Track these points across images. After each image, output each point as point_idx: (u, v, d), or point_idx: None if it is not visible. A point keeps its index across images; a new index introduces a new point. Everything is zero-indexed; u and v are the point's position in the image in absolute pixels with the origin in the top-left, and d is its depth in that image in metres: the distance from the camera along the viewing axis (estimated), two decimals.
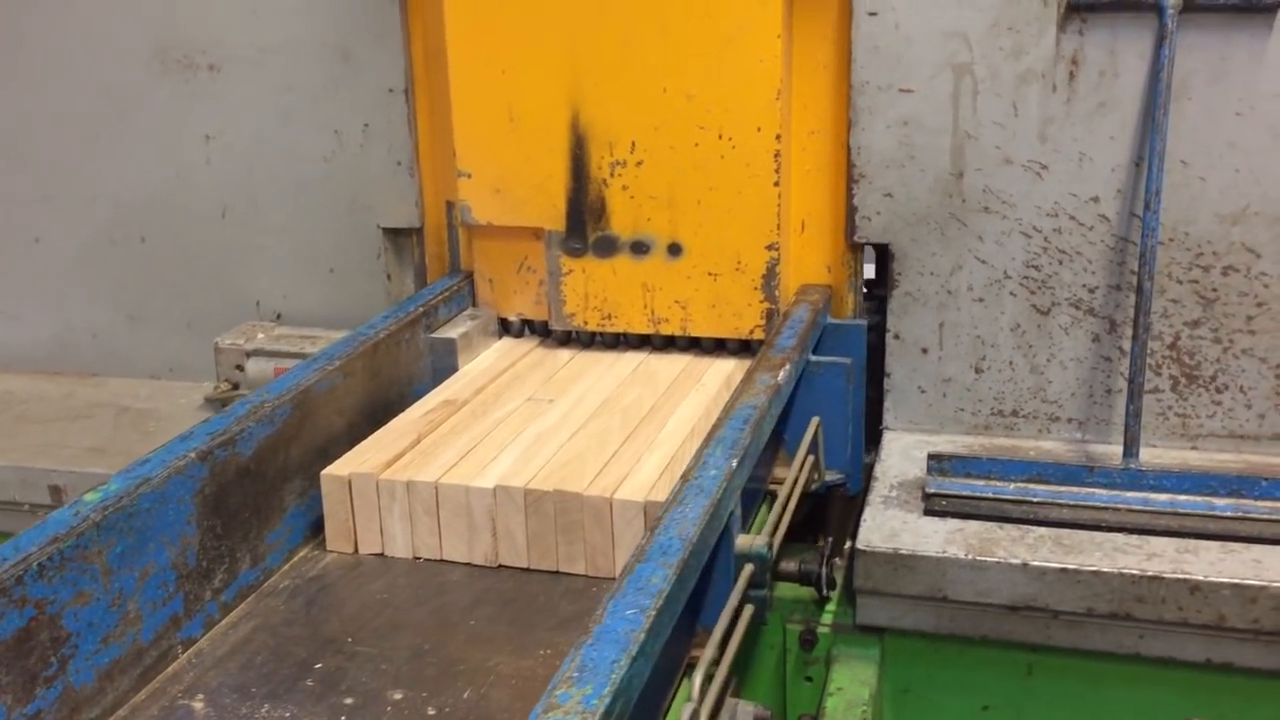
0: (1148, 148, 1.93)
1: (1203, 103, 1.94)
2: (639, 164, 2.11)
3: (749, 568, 1.52)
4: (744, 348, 2.20)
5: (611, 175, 2.13)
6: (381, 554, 1.76)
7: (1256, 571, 1.70)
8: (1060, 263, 2.06)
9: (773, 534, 1.61)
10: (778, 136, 2.05)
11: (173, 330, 2.57)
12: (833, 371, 2.03)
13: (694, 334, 2.20)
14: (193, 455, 1.59)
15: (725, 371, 2.13)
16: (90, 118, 2.46)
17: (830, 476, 2.03)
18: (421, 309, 2.18)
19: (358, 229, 2.39)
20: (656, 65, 2.05)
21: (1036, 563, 1.76)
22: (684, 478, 1.50)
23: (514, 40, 2.10)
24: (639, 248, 2.16)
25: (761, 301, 2.14)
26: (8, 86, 2.50)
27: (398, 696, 1.45)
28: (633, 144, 2.10)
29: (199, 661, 1.56)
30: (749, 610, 1.50)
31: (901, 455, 2.11)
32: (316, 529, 1.82)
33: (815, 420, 1.94)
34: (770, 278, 2.12)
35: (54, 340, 2.64)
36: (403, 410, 2.00)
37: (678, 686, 1.49)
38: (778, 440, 1.97)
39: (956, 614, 1.83)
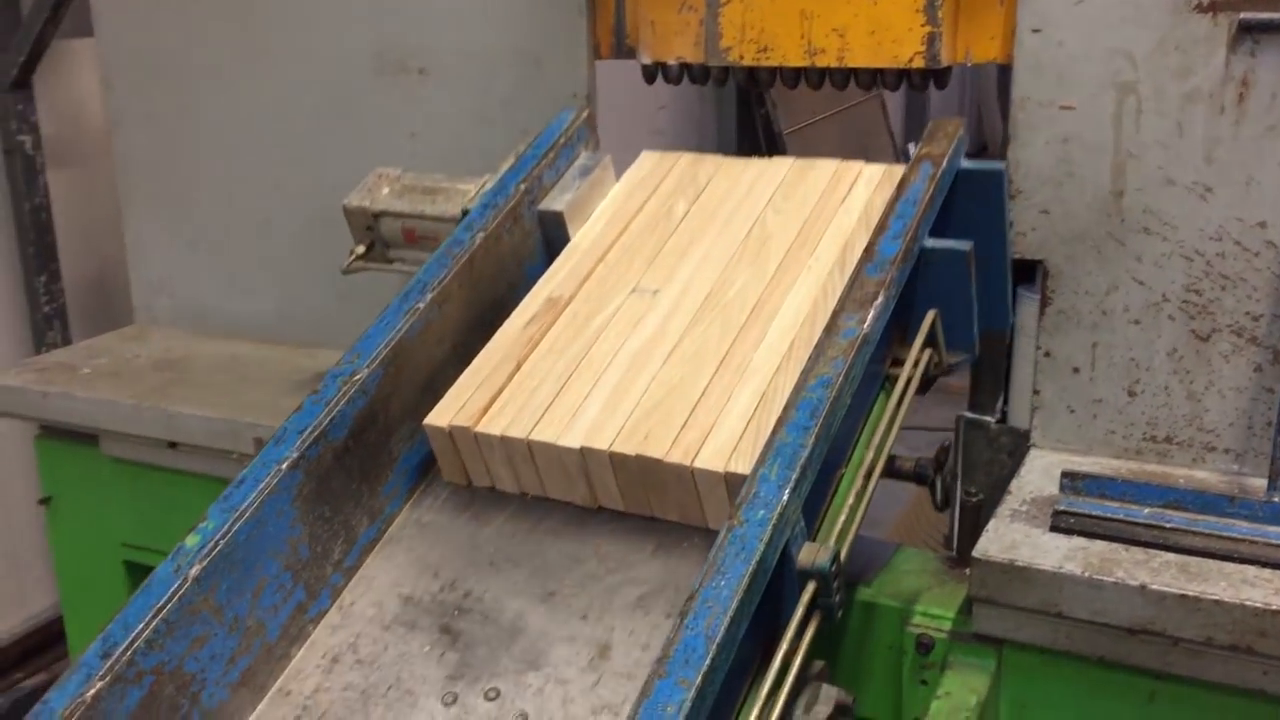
0: None
1: None
2: None
3: (811, 586, 1.49)
4: (902, 79, 2.15)
5: None
6: (493, 488, 1.85)
7: None
8: (1223, 288, 2.01)
9: (841, 539, 1.59)
10: None
11: (375, 308, 2.81)
12: (951, 258, 1.89)
13: (851, 64, 2.16)
14: (284, 467, 1.65)
15: (863, 199, 2.07)
16: (316, 114, 2.74)
17: (954, 359, 1.95)
18: (524, 184, 2.10)
19: None
20: None
21: (1156, 586, 1.73)
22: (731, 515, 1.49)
23: None
24: None
25: (923, 25, 2.10)
26: (249, 88, 2.81)
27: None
28: None
29: (336, 623, 1.71)
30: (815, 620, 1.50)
31: (1042, 473, 2.10)
32: (430, 462, 1.89)
33: (931, 314, 1.87)
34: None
35: (277, 312, 2.94)
36: (512, 305, 2.00)
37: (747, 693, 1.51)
38: (899, 323, 1.90)
39: (1073, 631, 1.82)
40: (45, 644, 3.92)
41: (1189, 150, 1.98)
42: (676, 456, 1.67)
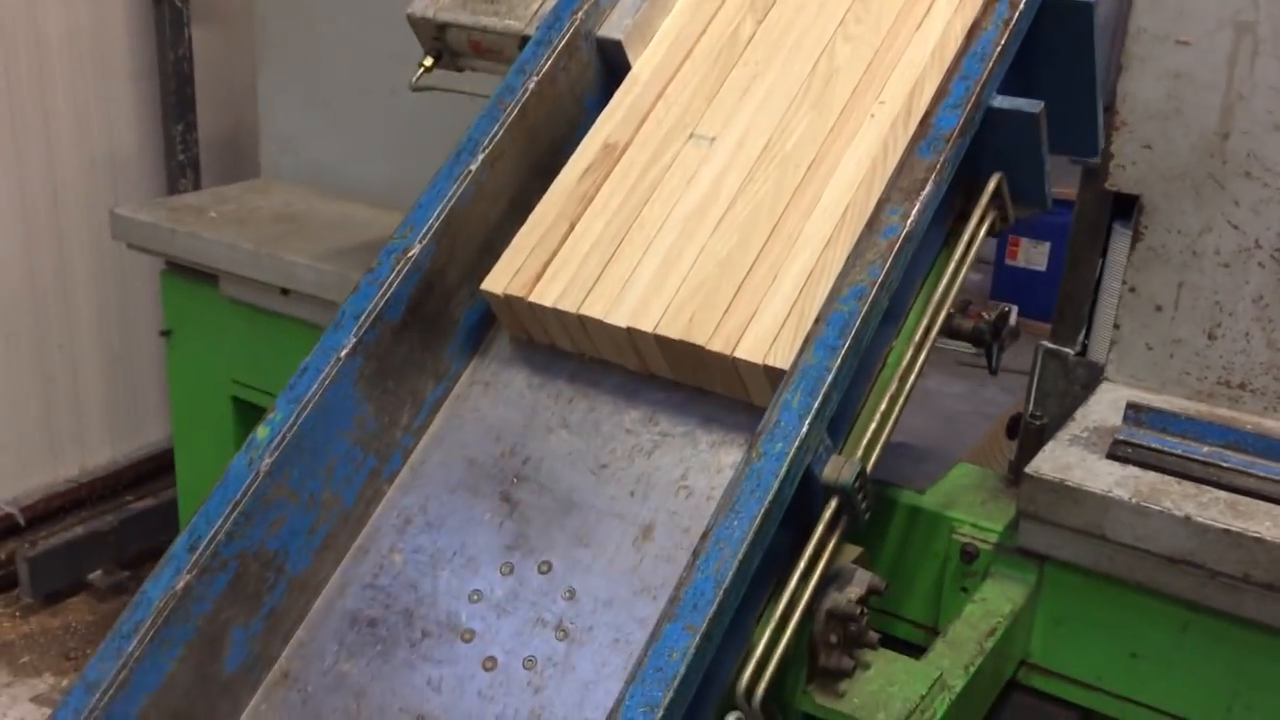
0: None
1: None
2: None
3: (834, 502, 1.55)
4: None
5: None
6: (552, 345, 1.89)
7: None
8: None
9: (866, 456, 1.62)
10: None
11: None
12: (1018, 123, 1.80)
13: None
14: (343, 355, 1.71)
15: (941, 24, 1.90)
16: None
17: (1024, 213, 1.92)
18: (580, 11, 1.97)
19: None
20: None
21: (1201, 519, 1.77)
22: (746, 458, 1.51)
23: None
24: None
25: None
26: None
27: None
28: None
29: (408, 482, 1.84)
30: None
31: (1109, 405, 2.12)
32: (492, 316, 1.91)
33: (996, 178, 1.81)
34: None
35: (391, 179, 3.08)
36: (572, 146, 1.93)
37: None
38: (965, 176, 1.82)
39: (1115, 555, 1.87)
40: (157, 471, 4.21)
41: None
42: (718, 345, 1.69)
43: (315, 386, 1.70)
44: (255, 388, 2.94)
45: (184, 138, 3.87)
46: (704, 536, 1.47)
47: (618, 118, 1.97)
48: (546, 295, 1.82)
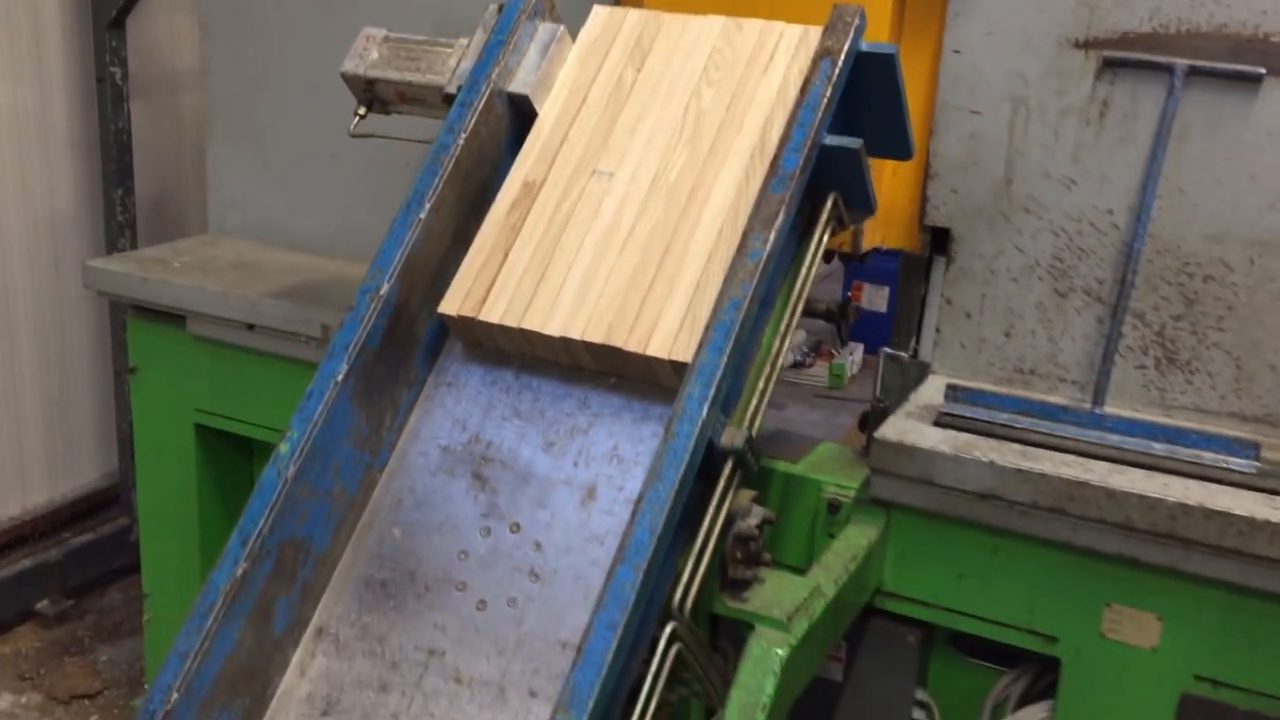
0: (1148, 176, 2.53)
1: (1199, 146, 2.51)
2: None
3: (730, 462, 2.03)
4: None
5: None
6: (499, 349, 2.32)
7: (1162, 490, 2.29)
8: (1079, 258, 2.66)
9: (751, 423, 2.12)
10: None
11: None
12: (844, 156, 2.25)
13: None
14: (339, 379, 2.12)
15: (782, 70, 2.35)
16: None
17: (857, 219, 2.41)
18: (493, 71, 2.40)
19: None
20: None
21: (1000, 463, 2.39)
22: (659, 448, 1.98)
23: None
24: None
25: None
26: (324, 41, 3.36)
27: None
28: None
29: (396, 470, 2.31)
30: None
31: (935, 390, 2.73)
32: (447, 332, 2.34)
33: (831, 197, 2.28)
34: None
35: (334, 231, 3.54)
36: (497, 185, 2.37)
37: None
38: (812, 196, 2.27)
39: (942, 497, 2.47)
40: (94, 509, 4.54)
41: (1062, 151, 2.63)
42: (633, 345, 2.15)
43: (320, 407, 2.13)
44: (218, 414, 3.36)
45: (123, 201, 4.26)
46: (638, 500, 1.93)
47: (531, 159, 2.41)
48: (492, 313, 2.26)
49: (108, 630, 4.26)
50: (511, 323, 2.26)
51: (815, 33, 2.35)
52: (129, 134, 4.22)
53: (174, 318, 3.35)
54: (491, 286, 2.30)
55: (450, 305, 2.31)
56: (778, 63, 2.39)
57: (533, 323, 2.25)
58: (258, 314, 3.17)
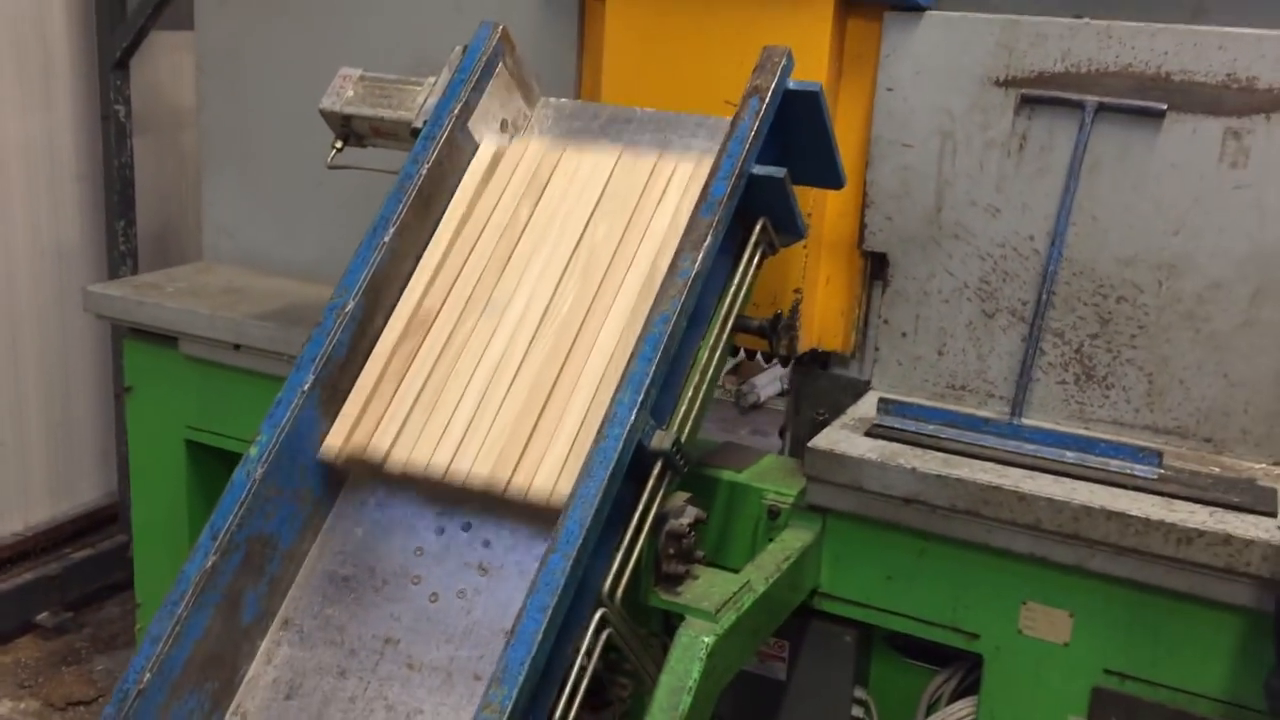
0: (1064, 204, 2.72)
1: (1110, 176, 2.70)
2: None
3: (660, 463, 2.19)
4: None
5: None
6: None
7: (1068, 494, 2.46)
8: (1004, 280, 2.84)
9: (681, 428, 2.28)
10: None
11: None
12: (771, 184, 2.42)
13: None
14: (305, 389, 2.29)
15: (674, 204, 2.50)
16: None
17: (788, 243, 2.60)
18: (456, 108, 2.58)
19: None
20: None
21: (923, 469, 2.56)
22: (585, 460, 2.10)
23: None
24: None
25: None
26: (313, 80, 3.59)
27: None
28: None
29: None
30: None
31: (870, 404, 2.91)
32: None
33: (760, 221, 2.45)
34: None
35: (319, 258, 3.75)
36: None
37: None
38: (743, 217, 2.42)
39: (870, 502, 2.64)
40: (93, 526, 4.74)
41: (986, 181, 2.82)
42: (514, 492, 2.26)
43: (288, 414, 2.31)
44: (209, 430, 3.56)
45: (125, 232, 4.49)
46: (569, 496, 2.10)
47: (421, 290, 2.50)
48: (382, 445, 2.36)
49: (104, 641, 4.43)
50: (399, 457, 2.36)
51: (707, 162, 2.47)
52: (131, 168, 4.45)
53: (167, 339, 3.56)
54: (383, 418, 2.40)
55: (335, 442, 2.38)
56: (669, 198, 2.53)
57: (421, 455, 2.35)
58: (243, 335, 3.38)
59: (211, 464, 3.67)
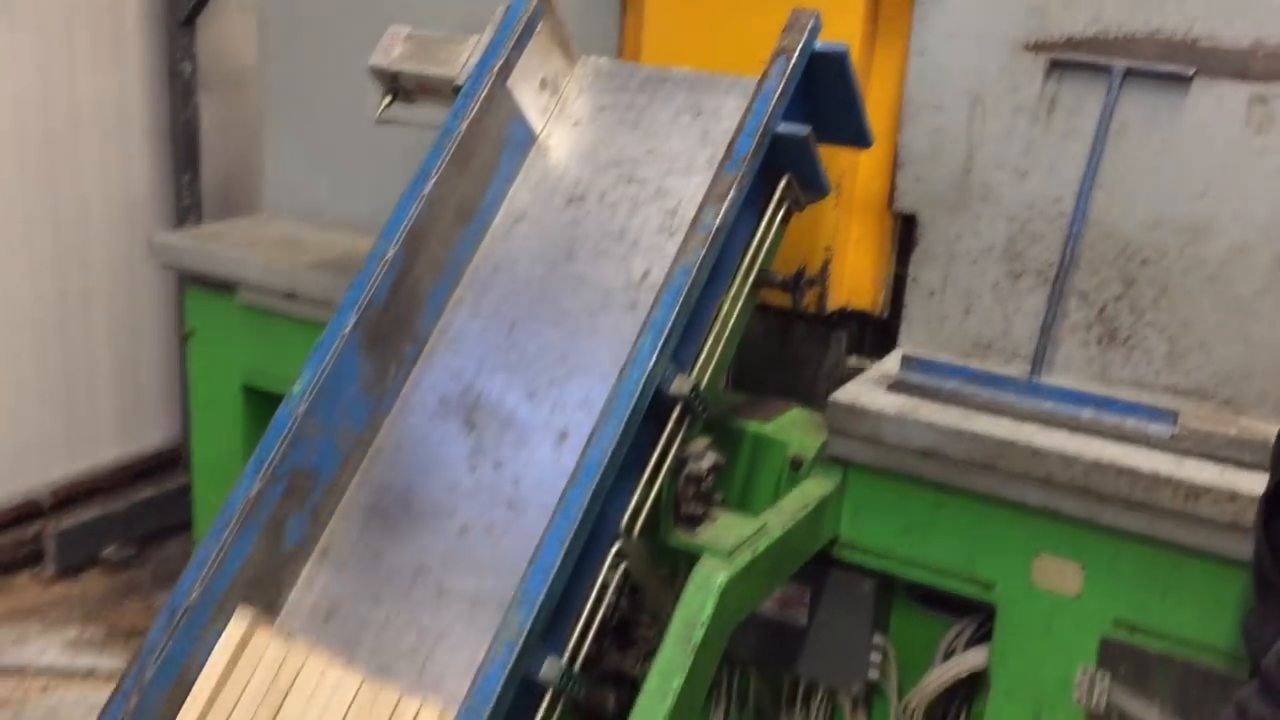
0: (1090, 167, 2.76)
1: (1136, 139, 2.73)
2: None
3: (678, 407, 2.27)
4: None
5: None
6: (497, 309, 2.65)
7: (1079, 449, 2.52)
8: (1030, 242, 2.89)
9: (701, 374, 2.36)
10: None
11: None
12: (795, 142, 2.49)
13: None
14: (346, 332, 2.37)
15: None
16: None
17: (813, 199, 2.65)
18: (497, 65, 2.67)
19: None
20: None
21: (940, 423, 2.63)
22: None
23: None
24: None
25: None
26: (372, 36, 3.74)
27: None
28: None
29: (398, 413, 2.62)
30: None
31: (896, 361, 2.99)
32: (451, 291, 2.65)
33: (785, 179, 2.50)
34: None
35: (373, 212, 3.82)
36: (497, 167, 2.64)
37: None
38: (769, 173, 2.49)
39: (889, 454, 2.71)
40: (159, 467, 4.96)
41: (1014, 144, 2.86)
42: None
43: (329, 356, 2.41)
44: (265, 373, 3.72)
45: (189, 186, 4.67)
46: (591, 433, 2.20)
47: None
48: None
49: (165, 577, 4.65)
50: None
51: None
52: (196, 123, 4.62)
53: (225, 287, 3.72)
54: None
55: None
56: None
57: None
58: (297, 283, 3.52)
59: (267, 409, 3.77)
